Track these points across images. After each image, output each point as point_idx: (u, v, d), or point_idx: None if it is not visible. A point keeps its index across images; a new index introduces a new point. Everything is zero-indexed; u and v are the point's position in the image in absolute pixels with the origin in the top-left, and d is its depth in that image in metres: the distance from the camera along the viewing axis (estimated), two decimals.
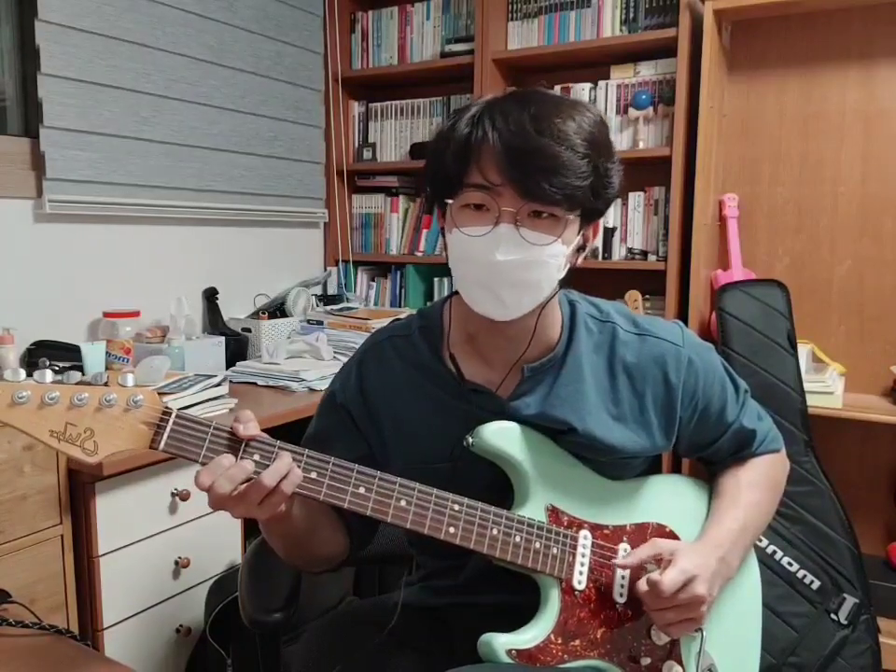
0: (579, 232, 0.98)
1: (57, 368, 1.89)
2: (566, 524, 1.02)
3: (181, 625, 1.76)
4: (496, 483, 1.03)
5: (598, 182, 0.94)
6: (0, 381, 0.84)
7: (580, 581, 1.00)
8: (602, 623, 1.00)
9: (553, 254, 0.94)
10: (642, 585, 0.98)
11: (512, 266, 0.93)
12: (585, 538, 1.02)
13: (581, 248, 1.01)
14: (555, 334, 1.06)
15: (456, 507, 0.96)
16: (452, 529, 0.96)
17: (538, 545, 0.99)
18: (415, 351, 1.08)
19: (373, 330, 1.44)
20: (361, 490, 0.93)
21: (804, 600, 1.93)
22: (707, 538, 1.06)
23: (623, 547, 1.04)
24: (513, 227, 0.92)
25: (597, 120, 0.96)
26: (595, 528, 1.04)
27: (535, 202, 0.92)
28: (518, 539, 0.98)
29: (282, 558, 1.08)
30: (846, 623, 1.91)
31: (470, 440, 1.00)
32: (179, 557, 1.74)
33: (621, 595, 1.02)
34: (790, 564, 1.94)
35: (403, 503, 0.94)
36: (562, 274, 0.98)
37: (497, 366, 1.04)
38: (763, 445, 1.16)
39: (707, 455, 1.17)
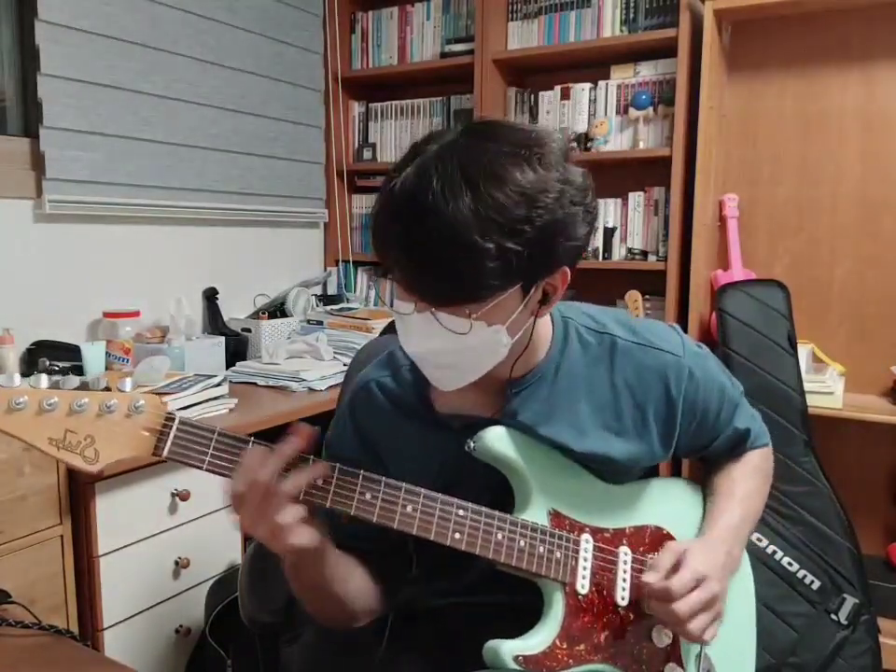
0: (526, 296, 0.88)
1: (57, 368, 1.90)
2: (567, 527, 1.02)
3: (181, 625, 1.76)
4: (497, 488, 1.03)
5: (518, 258, 0.81)
6: None
7: (583, 584, 1.00)
8: (605, 626, 1.00)
9: (479, 336, 0.87)
10: (652, 602, 0.98)
11: (431, 354, 0.91)
12: (587, 541, 1.02)
13: (544, 301, 0.91)
14: (542, 353, 1.03)
15: (461, 512, 0.96)
16: (457, 535, 0.95)
17: (541, 549, 0.98)
18: (401, 390, 1.06)
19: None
20: (367, 496, 0.92)
21: (804, 600, 1.93)
22: (712, 533, 1.08)
23: (624, 550, 1.04)
24: (429, 315, 0.85)
25: (532, 180, 0.80)
26: (596, 532, 1.03)
27: (433, 305, 0.85)
28: (522, 543, 0.98)
29: (318, 619, 1.06)
30: (846, 623, 1.91)
31: (472, 444, 0.99)
32: (179, 557, 1.74)
33: (622, 598, 1.02)
34: (790, 564, 1.95)
35: (409, 509, 0.94)
36: (513, 339, 0.91)
37: (483, 387, 1.00)
38: (755, 442, 1.19)
39: (704, 454, 1.19)
